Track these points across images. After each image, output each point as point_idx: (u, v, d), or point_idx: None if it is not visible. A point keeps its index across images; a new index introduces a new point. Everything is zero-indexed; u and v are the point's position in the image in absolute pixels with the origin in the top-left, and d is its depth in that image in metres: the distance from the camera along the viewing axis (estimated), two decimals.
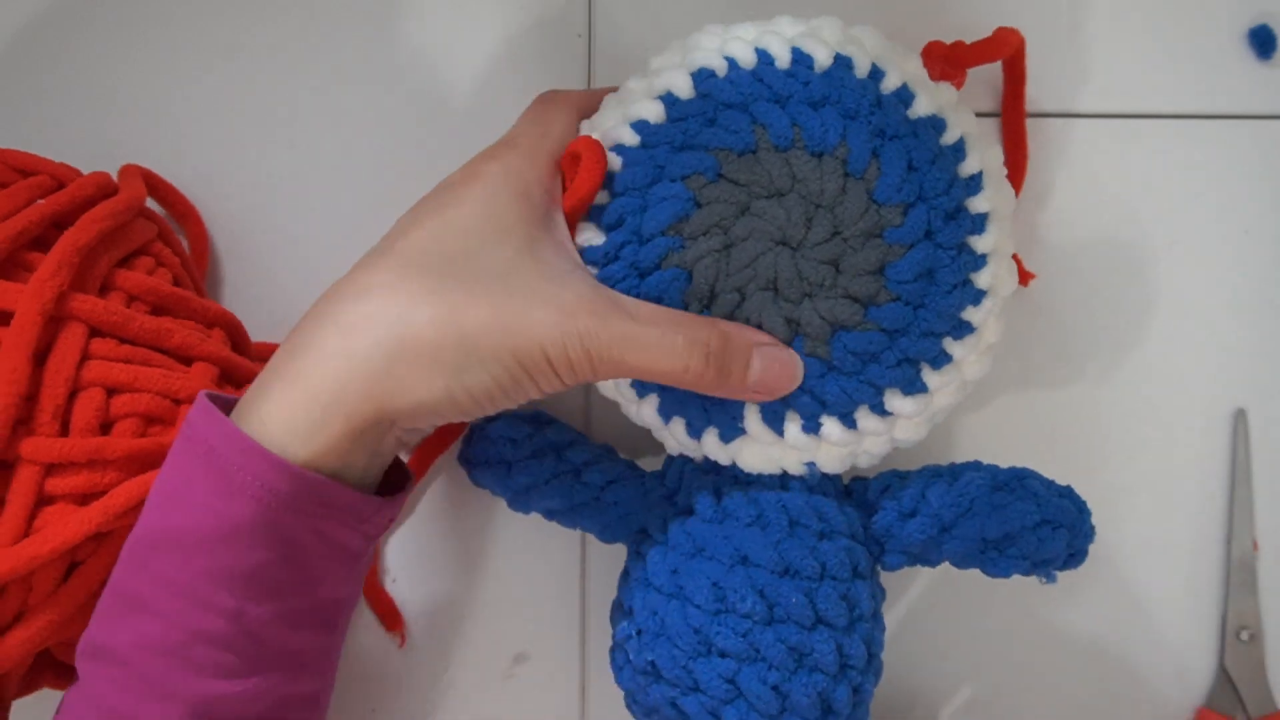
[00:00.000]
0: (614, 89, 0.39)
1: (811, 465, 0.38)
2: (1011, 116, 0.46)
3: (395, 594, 0.46)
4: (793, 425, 0.37)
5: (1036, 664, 0.47)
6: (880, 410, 0.37)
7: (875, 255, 0.35)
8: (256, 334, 0.45)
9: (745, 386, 0.35)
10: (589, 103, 0.40)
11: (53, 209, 0.38)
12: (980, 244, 0.36)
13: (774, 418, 0.37)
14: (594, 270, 0.36)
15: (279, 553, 0.33)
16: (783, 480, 0.39)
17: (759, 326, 0.36)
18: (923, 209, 0.35)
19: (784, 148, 0.35)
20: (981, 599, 0.47)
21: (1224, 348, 0.47)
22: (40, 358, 0.36)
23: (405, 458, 0.45)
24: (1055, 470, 0.40)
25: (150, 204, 0.45)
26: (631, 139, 0.36)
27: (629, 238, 0.36)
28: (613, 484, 0.41)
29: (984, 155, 0.37)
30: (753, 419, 0.37)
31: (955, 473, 0.39)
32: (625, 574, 0.41)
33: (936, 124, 0.36)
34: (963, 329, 0.37)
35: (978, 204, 0.36)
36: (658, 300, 0.35)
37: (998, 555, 0.39)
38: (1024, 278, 0.46)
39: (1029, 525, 0.38)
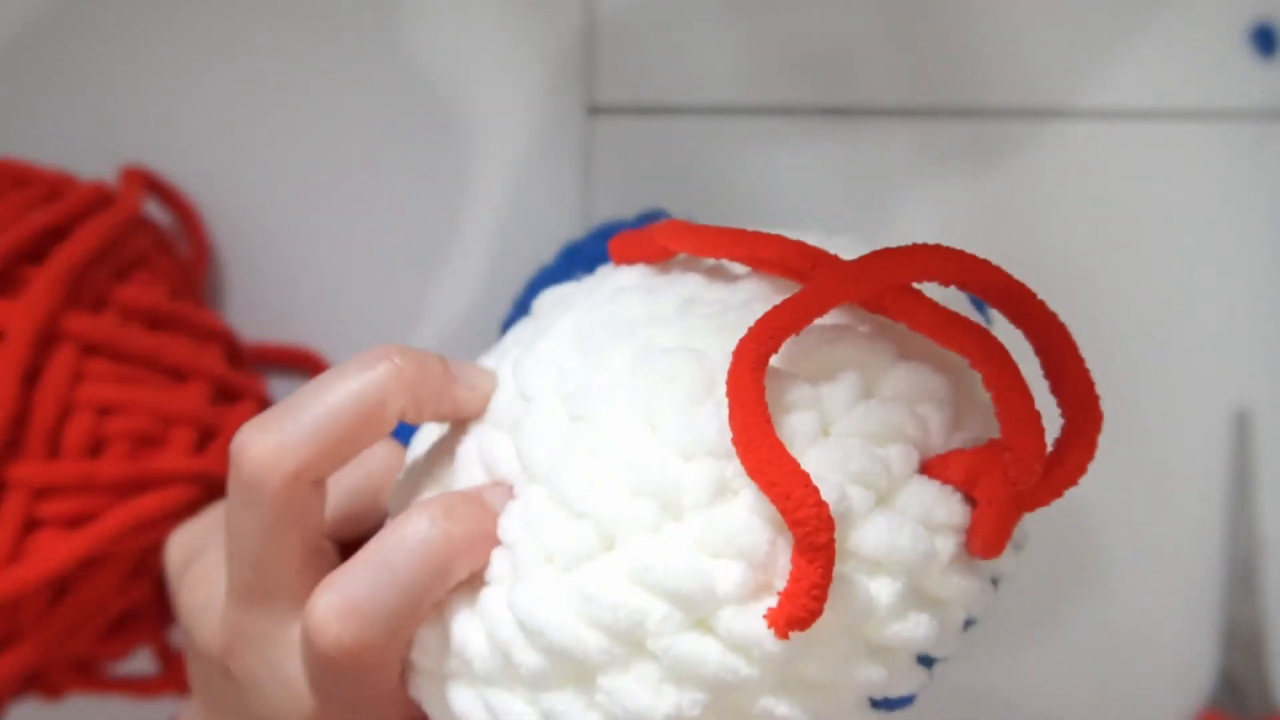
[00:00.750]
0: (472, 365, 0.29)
1: None
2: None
3: None
4: None
5: (1036, 664, 0.47)
6: None
7: None
8: (257, 333, 0.45)
9: None
10: (426, 390, 0.27)
11: (46, 224, 0.37)
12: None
13: None
14: None
15: None
16: None
17: None
18: None
19: None
20: None
21: (1225, 347, 0.46)
22: (30, 377, 0.36)
23: None
24: None
25: (150, 206, 0.45)
26: None
27: None
28: None
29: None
30: None
31: None
32: None
33: None
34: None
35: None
36: None
37: None
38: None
39: None
